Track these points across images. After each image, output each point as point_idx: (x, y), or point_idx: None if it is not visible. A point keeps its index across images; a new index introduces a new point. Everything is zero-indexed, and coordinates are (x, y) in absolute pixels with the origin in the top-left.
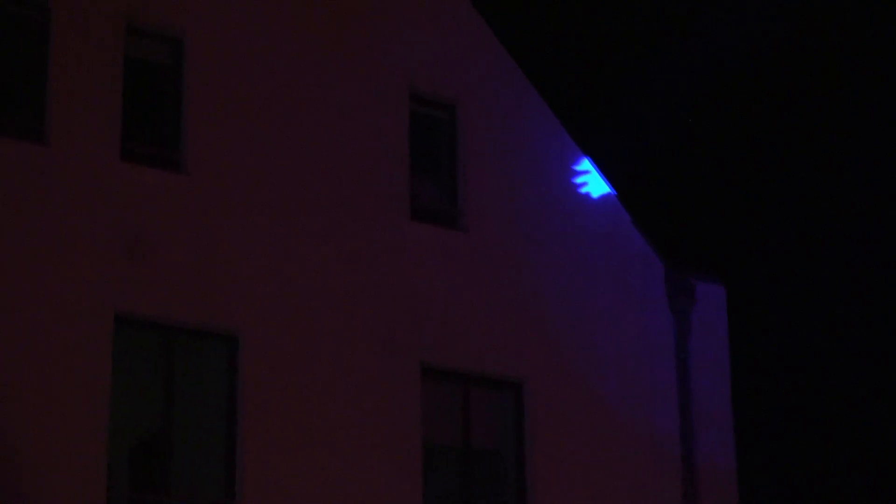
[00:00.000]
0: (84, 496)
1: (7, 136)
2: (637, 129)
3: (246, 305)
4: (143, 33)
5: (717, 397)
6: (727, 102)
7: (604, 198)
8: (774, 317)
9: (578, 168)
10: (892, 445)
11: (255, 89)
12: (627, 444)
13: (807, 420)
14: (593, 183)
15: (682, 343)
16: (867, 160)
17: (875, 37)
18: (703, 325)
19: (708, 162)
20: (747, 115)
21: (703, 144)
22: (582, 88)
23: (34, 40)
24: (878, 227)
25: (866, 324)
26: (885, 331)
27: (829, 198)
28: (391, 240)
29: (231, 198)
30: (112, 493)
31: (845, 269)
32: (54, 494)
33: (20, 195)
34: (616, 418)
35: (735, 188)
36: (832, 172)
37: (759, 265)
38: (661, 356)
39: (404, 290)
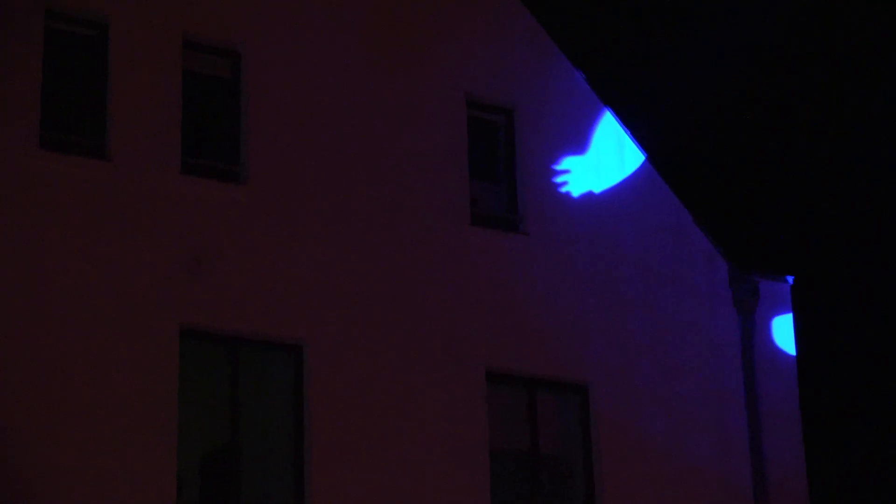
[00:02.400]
0: None
1: (69, 154)
2: (701, 128)
3: (310, 314)
4: (201, 47)
5: (785, 396)
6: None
7: (666, 196)
8: (840, 313)
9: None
10: None
11: (313, 99)
12: (695, 446)
13: (875, 417)
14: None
15: (748, 342)
16: None
17: None
18: (768, 324)
19: (772, 159)
20: (814, 111)
21: (768, 142)
22: (642, 89)
23: (93, 58)
24: None
25: None
26: None
27: None
28: (452, 245)
29: (292, 208)
30: None
31: None
32: None
33: (83, 212)
34: (683, 419)
35: (800, 184)
36: None
37: (824, 261)
38: (727, 355)
39: (467, 295)
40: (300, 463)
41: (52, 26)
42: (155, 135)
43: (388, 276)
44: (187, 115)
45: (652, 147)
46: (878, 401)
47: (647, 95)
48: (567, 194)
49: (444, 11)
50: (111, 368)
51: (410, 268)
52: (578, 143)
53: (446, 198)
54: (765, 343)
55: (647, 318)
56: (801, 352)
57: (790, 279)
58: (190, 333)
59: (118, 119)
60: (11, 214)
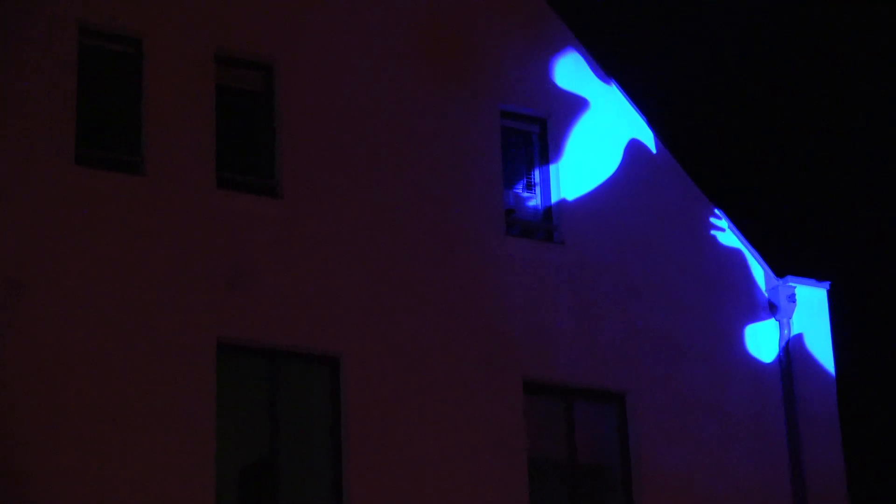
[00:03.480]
0: None
1: (105, 169)
2: (735, 132)
3: (346, 326)
4: (234, 61)
5: (824, 401)
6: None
7: (702, 202)
8: (878, 319)
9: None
10: None
11: (347, 112)
12: (734, 454)
13: None
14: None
15: (786, 348)
16: None
17: None
18: (806, 329)
19: (810, 164)
20: (849, 117)
21: (806, 148)
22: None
23: (127, 74)
24: None
25: None
26: None
27: None
28: (488, 256)
29: (327, 220)
30: None
31: None
32: None
33: (120, 227)
34: (722, 427)
35: (837, 190)
36: None
37: (862, 267)
38: (765, 362)
39: (503, 305)
40: (338, 474)
41: (86, 43)
42: (190, 150)
43: (424, 287)
44: (221, 129)
45: (688, 155)
46: None
47: (678, 97)
48: (600, 202)
49: (477, 22)
50: (150, 383)
51: (446, 278)
52: (612, 151)
53: (481, 208)
54: (802, 347)
55: (683, 325)
56: (840, 357)
57: (827, 284)
58: (227, 347)
59: (153, 134)
60: (49, 231)
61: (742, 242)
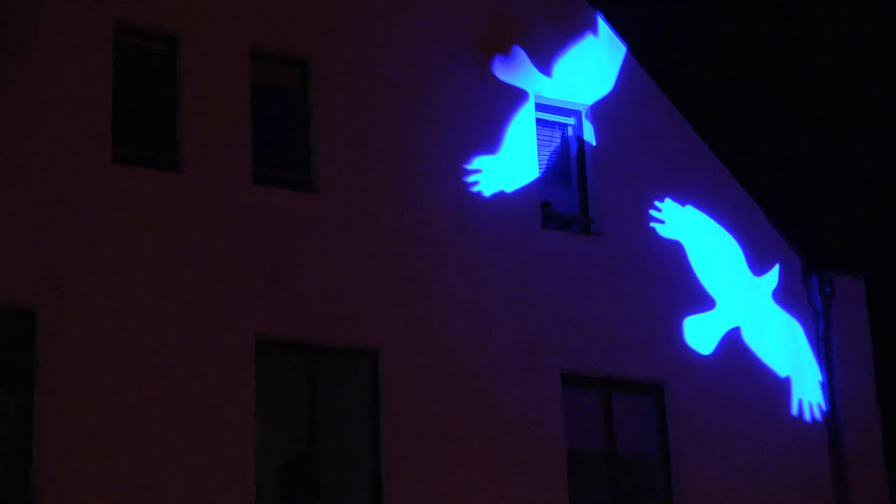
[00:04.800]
0: None
1: (142, 167)
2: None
3: (384, 321)
4: (269, 58)
5: (862, 391)
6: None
7: (736, 194)
8: None
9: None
10: None
11: (382, 106)
12: (774, 442)
13: None
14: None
15: (824, 337)
16: None
17: None
18: (843, 319)
19: (845, 154)
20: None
21: (839, 139)
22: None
23: (163, 72)
24: None
25: None
26: None
27: None
28: (525, 249)
29: (363, 214)
30: None
31: None
32: None
33: (158, 224)
34: (761, 416)
35: (872, 179)
36: None
37: None
38: (803, 351)
39: (541, 298)
40: (377, 469)
41: (123, 41)
42: (226, 146)
43: (461, 281)
44: (257, 125)
45: (724, 149)
46: None
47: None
48: (640, 195)
49: (511, 15)
50: (189, 380)
51: (484, 272)
52: (648, 142)
53: (518, 202)
54: (840, 337)
55: (720, 314)
56: (877, 349)
57: (863, 277)
58: (266, 342)
59: (190, 132)
60: (88, 229)
61: (778, 233)
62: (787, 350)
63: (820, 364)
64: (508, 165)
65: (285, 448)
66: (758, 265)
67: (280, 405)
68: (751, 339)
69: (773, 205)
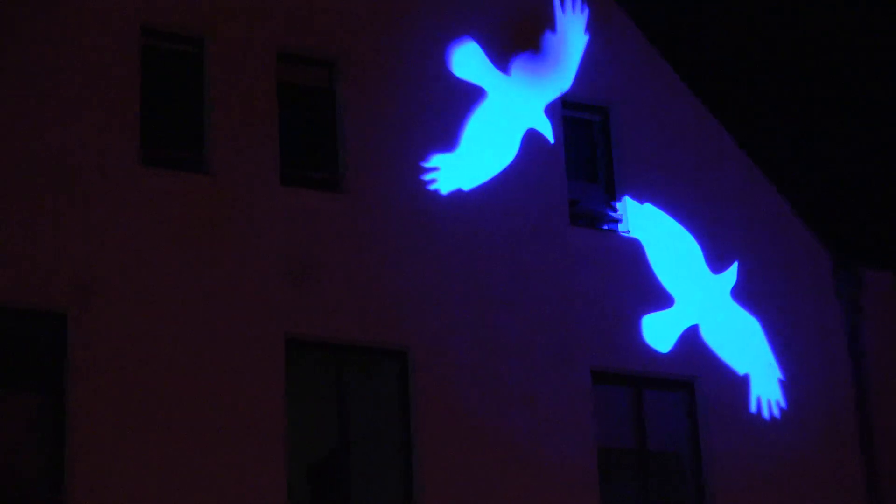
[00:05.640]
0: None
1: (170, 169)
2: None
3: (413, 319)
4: (296, 58)
5: (892, 385)
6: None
7: (763, 188)
8: None
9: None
10: None
11: (409, 105)
12: (805, 437)
13: None
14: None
15: (855, 332)
16: None
17: None
18: (872, 314)
19: (874, 148)
20: None
21: (868, 133)
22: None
23: (190, 74)
24: None
25: None
26: None
27: None
28: (554, 247)
29: (391, 214)
30: None
31: None
32: None
33: (186, 226)
34: (792, 411)
35: None
36: None
37: None
38: (834, 347)
39: (570, 295)
40: (408, 467)
41: (149, 44)
42: (254, 147)
43: (490, 279)
44: (284, 126)
45: (753, 144)
46: None
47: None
48: (668, 191)
49: (536, 12)
50: (219, 380)
51: (512, 269)
52: (676, 138)
53: (545, 199)
54: (871, 331)
55: (751, 310)
56: None
57: (893, 271)
58: (295, 343)
59: (217, 133)
60: (117, 232)
61: (807, 227)
62: (817, 344)
63: (850, 360)
64: (537, 163)
65: (315, 447)
66: (789, 262)
67: (310, 405)
68: (782, 332)
69: (801, 200)
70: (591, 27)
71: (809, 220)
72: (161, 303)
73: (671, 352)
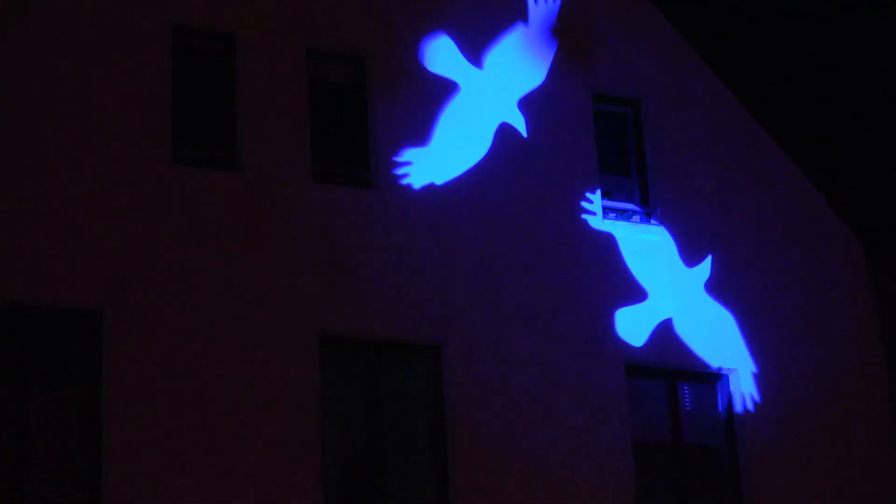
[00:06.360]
0: None
1: (202, 167)
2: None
3: (447, 314)
4: (325, 55)
5: None
6: None
7: (796, 179)
8: None
9: None
10: None
11: (440, 101)
12: (842, 429)
13: None
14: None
15: (889, 321)
16: None
17: None
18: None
19: None
20: None
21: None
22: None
23: (221, 72)
24: None
25: None
26: None
27: None
28: (585, 239)
29: (423, 208)
30: None
31: None
32: None
33: (219, 223)
34: (828, 403)
35: None
36: None
37: None
38: (867, 336)
39: (602, 289)
40: (442, 462)
41: (180, 42)
42: (285, 144)
43: (523, 273)
44: (315, 123)
45: (784, 130)
46: None
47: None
48: (698, 183)
49: (568, 6)
50: (254, 377)
51: (545, 263)
52: (707, 130)
53: (577, 192)
54: None
55: (783, 301)
56: None
57: None
58: (330, 339)
59: (248, 131)
60: (150, 230)
61: (839, 217)
62: (850, 333)
63: (885, 349)
64: (567, 157)
65: (351, 443)
66: (823, 251)
67: (345, 401)
68: (814, 322)
69: (835, 190)
70: (620, 20)
71: (843, 210)
72: (195, 301)
73: (704, 346)
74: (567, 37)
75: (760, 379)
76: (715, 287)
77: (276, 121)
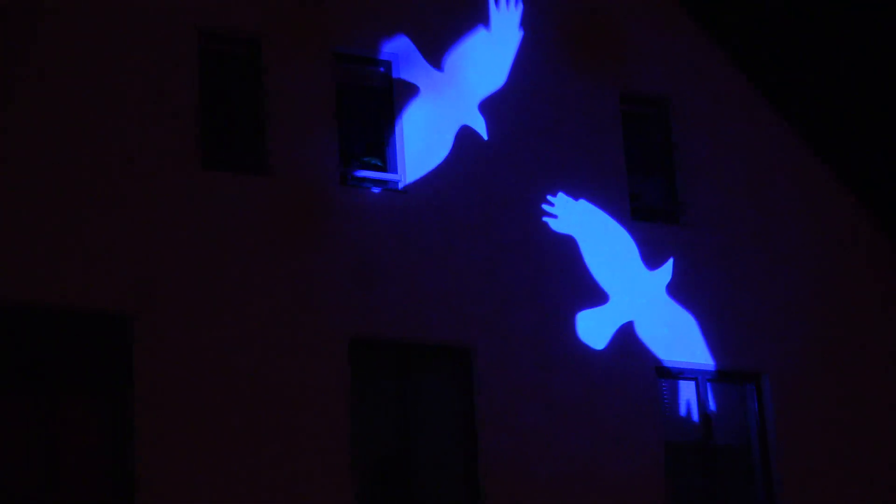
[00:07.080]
0: None
1: (230, 171)
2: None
3: (476, 317)
4: (352, 58)
5: None
6: None
7: (825, 178)
8: None
9: None
10: None
11: (466, 101)
12: (874, 430)
13: None
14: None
15: None
16: None
17: None
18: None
19: None
20: None
21: None
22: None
23: (247, 76)
24: None
25: None
26: None
27: None
28: (615, 242)
29: (451, 211)
30: None
31: None
32: None
33: (248, 228)
34: (859, 403)
35: None
36: None
37: None
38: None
39: (633, 291)
40: (472, 465)
41: (206, 47)
42: (313, 148)
43: (551, 276)
44: (343, 126)
45: (812, 130)
46: None
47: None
48: (728, 184)
49: (596, 4)
50: (283, 381)
51: (575, 267)
52: (736, 131)
53: (606, 194)
54: None
55: (814, 301)
56: None
57: None
58: (359, 342)
59: (276, 134)
60: (180, 236)
61: (868, 213)
62: (884, 333)
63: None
64: (596, 158)
65: (381, 446)
66: (851, 250)
67: (375, 404)
68: (846, 321)
69: (866, 191)
70: (648, 20)
71: (874, 210)
72: (225, 305)
73: (737, 348)
74: (594, 36)
75: (793, 380)
76: (745, 287)
77: (303, 124)
